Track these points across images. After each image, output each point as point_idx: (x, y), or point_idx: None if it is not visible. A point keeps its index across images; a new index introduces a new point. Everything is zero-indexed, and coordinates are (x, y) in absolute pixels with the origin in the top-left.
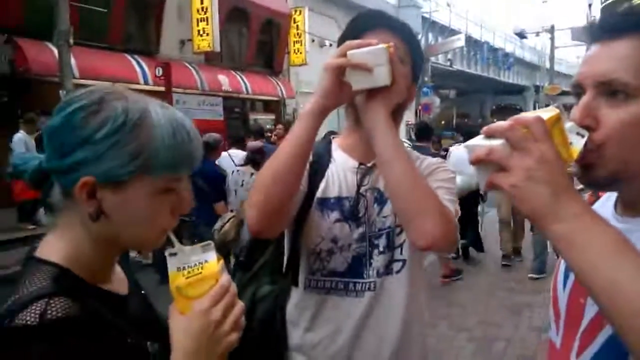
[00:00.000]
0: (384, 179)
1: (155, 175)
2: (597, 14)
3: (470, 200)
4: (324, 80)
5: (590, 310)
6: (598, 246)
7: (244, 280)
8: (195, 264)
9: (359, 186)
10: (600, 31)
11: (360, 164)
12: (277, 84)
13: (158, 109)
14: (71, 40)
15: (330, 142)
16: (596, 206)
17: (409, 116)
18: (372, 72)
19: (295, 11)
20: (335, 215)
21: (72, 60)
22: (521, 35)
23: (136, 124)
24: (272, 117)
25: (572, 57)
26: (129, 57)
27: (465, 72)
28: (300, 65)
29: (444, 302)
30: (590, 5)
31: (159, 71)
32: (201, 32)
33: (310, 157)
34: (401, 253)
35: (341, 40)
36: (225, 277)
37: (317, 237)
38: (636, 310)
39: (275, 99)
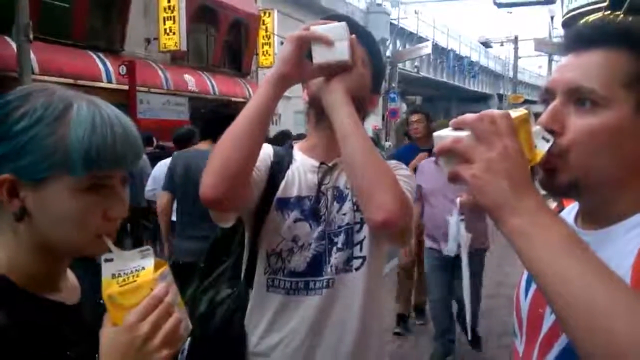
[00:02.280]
0: (343, 154)
1: (76, 173)
2: (558, 26)
3: None
4: (285, 49)
5: (549, 320)
6: (552, 241)
7: (203, 286)
8: (132, 271)
9: (319, 184)
10: (574, 42)
11: (321, 163)
12: (245, 85)
13: (84, 104)
14: (31, 35)
15: (291, 147)
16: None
17: (376, 121)
18: (333, 47)
19: (264, 13)
20: (295, 214)
21: (32, 56)
22: (486, 44)
23: (57, 117)
24: None
25: (535, 67)
26: (92, 55)
27: (432, 79)
28: (268, 67)
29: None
30: (552, 18)
31: (123, 69)
32: (168, 31)
33: (272, 158)
34: (361, 250)
35: None
36: (160, 287)
37: (277, 237)
38: (582, 305)
39: (243, 100)
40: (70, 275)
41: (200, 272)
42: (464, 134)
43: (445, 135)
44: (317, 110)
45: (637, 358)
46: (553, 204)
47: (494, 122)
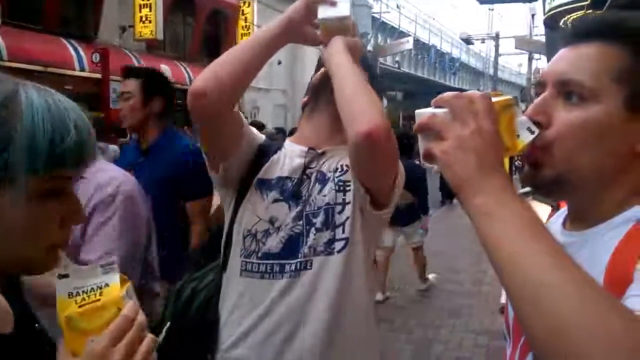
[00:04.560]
0: (335, 90)
1: (27, 175)
2: (539, 24)
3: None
4: (296, 3)
5: None
6: (512, 222)
7: (192, 277)
8: (92, 289)
9: (305, 167)
10: (571, 36)
11: (310, 148)
12: None
13: (33, 92)
14: None
15: (284, 138)
16: (550, 221)
17: None
18: (336, 6)
19: (244, 3)
20: (274, 194)
21: (1, 41)
22: (467, 41)
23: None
24: None
25: (515, 64)
26: (64, 41)
27: (413, 74)
28: None
29: (384, 304)
30: (533, 16)
31: (96, 57)
32: (143, 19)
33: (261, 142)
34: (343, 232)
35: None
36: (130, 306)
37: (253, 218)
38: (530, 286)
39: None
40: (1, 299)
41: (194, 264)
42: (442, 111)
43: (424, 112)
44: (315, 97)
45: (582, 337)
46: (549, 209)
47: (472, 101)
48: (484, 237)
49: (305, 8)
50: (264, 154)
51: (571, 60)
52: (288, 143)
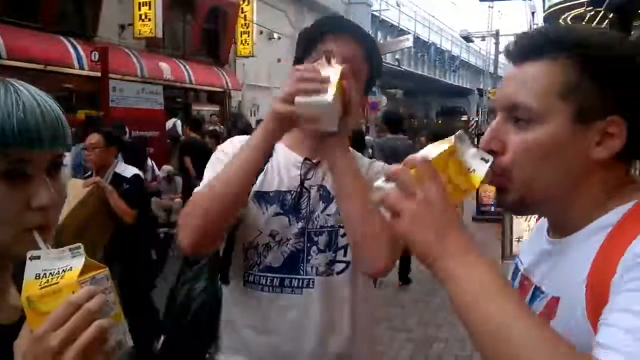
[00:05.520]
0: (341, 211)
1: None
2: (539, 22)
3: None
4: (270, 123)
5: None
6: (476, 283)
7: (184, 277)
8: (57, 271)
9: (302, 180)
10: (516, 54)
11: (306, 159)
12: (223, 74)
13: None
14: None
15: None
16: (540, 222)
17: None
18: (319, 120)
19: (244, 1)
20: (274, 208)
21: (0, 40)
22: (467, 38)
23: None
24: (217, 108)
25: None
26: (64, 39)
27: (413, 72)
28: (247, 56)
29: (383, 302)
30: (533, 14)
31: (96, 56)
32: (143, 17)
33: None
34: (344, 255)
35: (302, 41)
36: (81, 292)
37: (254, 231)
38: (499, 342)
39: (220, 90)
40: (14, 293)
41: (185, 262)
42: (390, 186)
43: (381, 186)
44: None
45: None
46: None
47: (416, 168)
48: (454, 300)
49: (280, 131)
50: None
51: (517, 82)
52: (282, 149)
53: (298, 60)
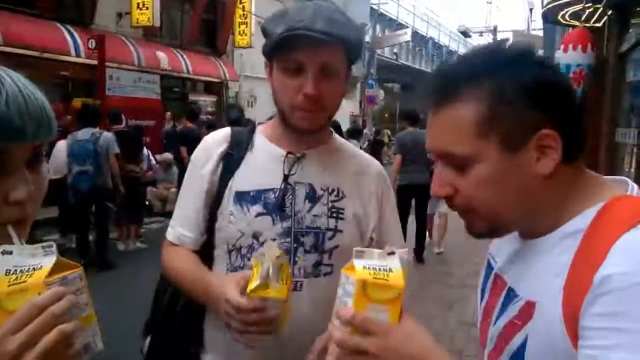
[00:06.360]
0: None
1: None
2: (537, 18)
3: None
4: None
5: (491, 331)
6: None
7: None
8: (28, 269)
9: (286, 176)
10: (430, 102)
11: (289, 152)
12: (220, 65)
13: None
14: None
15: (253, 130)
16: None
17: (353, 107)
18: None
19: None
20: (256, 208)
21: None
22: (465, 33)
23: None
24: (214, 99)
25: None
26: (60, 27)
27: (411, 66)
28: (245, 47)
29: None
30: (531, 10)
31: (93, 43)
32: (140, 5)
33: (224, 148)
34: (330, 258)
35: (267, 44)
36: (46, 294)
37: (236, 233)
38: None
39: (217, 80)
40: None
41: None
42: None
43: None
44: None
45: None
46: None
47: (350, 328)
48: None
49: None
50: (230, 162)
51: (439, 130)
52: (262, 141)
53: (268, 58)
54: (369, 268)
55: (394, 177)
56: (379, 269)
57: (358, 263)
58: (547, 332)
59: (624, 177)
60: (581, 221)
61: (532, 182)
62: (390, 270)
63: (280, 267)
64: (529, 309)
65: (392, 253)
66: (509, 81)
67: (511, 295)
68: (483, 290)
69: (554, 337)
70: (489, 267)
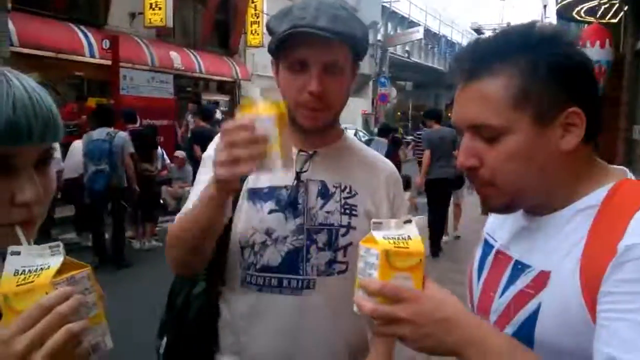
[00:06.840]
0: None
1: None
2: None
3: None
4: (212, 188)
5: (497, 303)
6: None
7: (184, 279)
8: (36, 269)
9: (298, 173)
10: (461, 73)
11: (300, 150)
12: (232, 64)
13: None
14: (9, 5)
15: None
16: None
17: (365, 106)
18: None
19: None
20: (269, 205)
21: (11, 27)
22: (478, 31)
23: None
24: (227, 98)
25: None
26: (75, 27)
27: (423, 64)
28: (257, 46)
29: None
30: (545, 6)
31: (107, 44)
32: (153, 6)
33: None
34: (344, 255)
35: (273, 42)
36: (53, 294)
37: (249, 230)
38: None
39: (229, 80)
40: None
41: None
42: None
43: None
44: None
45: None
46: None
47: (380, 297)
48: None
49: (222, 182)
50: None
51: (472, 102)
52: None
53: (274, 57)
54: (389, 238)
55: (424, 171)
56: (399, 237)
57: (377, 234)
58: (562, 299)
59: (622, 167)
60: (594, 198)
61: (553, 158)
62: (409, 237)
63: (266, 98)
64: (543, 277)
65: (409, 221)
66: (543, 59)
67: (520, 267)
68: (481, 268)
69: (569, 304)
70: (487, 246)
